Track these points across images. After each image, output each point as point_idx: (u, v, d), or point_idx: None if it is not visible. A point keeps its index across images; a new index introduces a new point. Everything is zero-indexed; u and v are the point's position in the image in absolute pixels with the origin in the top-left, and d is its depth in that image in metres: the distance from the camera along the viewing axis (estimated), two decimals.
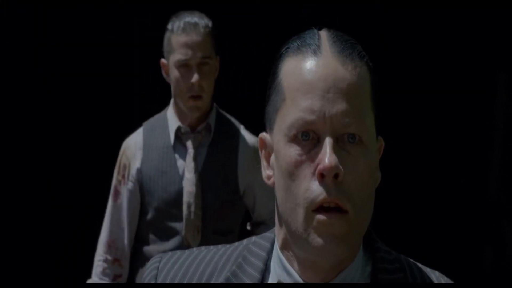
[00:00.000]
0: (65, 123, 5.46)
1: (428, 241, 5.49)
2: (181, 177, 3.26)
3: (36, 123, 5.43)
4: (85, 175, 5.42)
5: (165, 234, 3.30)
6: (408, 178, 5.67)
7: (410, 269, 1.38)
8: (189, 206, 3.24)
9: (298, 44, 1.32)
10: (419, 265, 1.40)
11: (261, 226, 3.41)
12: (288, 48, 1.34)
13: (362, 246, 1.36)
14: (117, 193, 3.34)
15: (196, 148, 3.28)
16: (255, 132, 3.30)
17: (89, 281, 3.37)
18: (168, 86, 3.35)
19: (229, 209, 3.33)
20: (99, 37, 5.43)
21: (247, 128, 3.38)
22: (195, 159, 3.27)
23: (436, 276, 1.39)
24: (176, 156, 3.29)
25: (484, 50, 5.59)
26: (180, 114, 3.30)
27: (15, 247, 5.44)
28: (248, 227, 3.50)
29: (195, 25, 3.20)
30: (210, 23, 3.24)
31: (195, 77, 3.18)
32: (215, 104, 3.36)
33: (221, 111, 3.39)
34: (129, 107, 5.34)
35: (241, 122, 3.41)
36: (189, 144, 3.28)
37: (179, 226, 3.27)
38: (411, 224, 5.61)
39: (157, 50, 3.34)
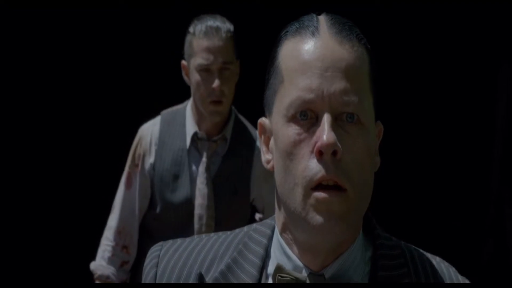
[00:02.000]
0: (65, 120, 5.46)
1: (429, 234, 5.49)
2: (192, 183, 3.26)
3: (37, 119, 5.43)
4: (86, 174, 5.42)
5: (174, 233, 3.25)
6: (409, 170, 5.66)
7: (411, 255, 1.38)
8: (200, 219, 3.23)
9: (296, 27, 1.33)
10: (420, 250, 1.41)
11: None
12: (287, 31, 1.35)
13: (362, 232, 1.36)
14: (130, 181, 3.34)
15: (209, 157, 3.26)
16: None
17: (94, 263, 3.38)
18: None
19: (237, 217, 3.32)
20: (104, 34, 5.43)
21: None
22: (207, 169, 3.25)
23: (436, 262, 1.39)
24: (190, 161, 3.27)
25: (487, 40, 5.57)
26: (198, 117, 3.28)
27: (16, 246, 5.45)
28: (257, 218, 3.50)
29: (217, 29, 3.17)
30: (231, 27, 3.21)
31: (216, 83, 3.16)
32: (234, 110, 3.34)
33: (240, 117, 3.37)
34: (132, 108, 5.35)
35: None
36: (204, 152, 3.26)
37: (188, 229, 3.26)
38: (412, 216, 5.60)
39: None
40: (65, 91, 5.46)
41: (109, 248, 3.36)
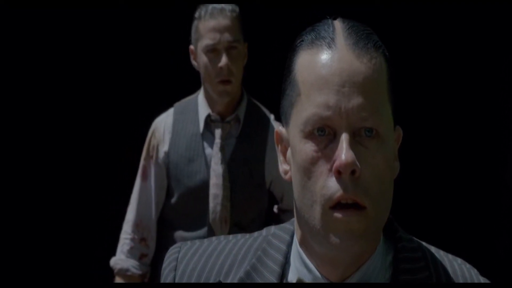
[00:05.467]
0: (80, 117, 5.45)
1: (444, 231, 5.46)
2: (208, 166, 3.25)
3: (43, 116, 5.42)
4: (104, 171, 5.41)
5: (191, 222, 3.30)
6: (424, 166, 5.63)
7: (432, 257, 1.37)
8: (215, 198, 3.23)
9: (312, 37, 1.30)
10: (441, 252, 1.39)
11: (286, 213, 3.43)
12: (302, 41, 1.32)
13: (382, 236, 1.35)
14: (145, 173, 3.35)
15: (223, 138, 3.27)
16: None
17: (114, 258, 3.39)
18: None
19: (253, 202, 3.32)
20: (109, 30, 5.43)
21: (276, 115, 3.36)
22: (222, 150, 3.25)
23: (458, 264, 1.38)
24: (204, 144, 3.28)
25: (495, 37, 5.56)
26: (210, 101, 3.28)
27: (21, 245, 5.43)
28: (275, 210, 3.49)
29: (222, 9, 3.20)
30: (237, 8, 3.24)
31: (223, 61, 3.17)
32: (245, 93, 3.34)
33: (252, 100, 3.37)
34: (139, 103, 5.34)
35: (271, 110, 3.39)
36: (217, 134, 3.26)
37: (205, 216, 3.26)
38: (426, 212, 5.58)
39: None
40: (72, 90, 5.44)
41: (128, 241, 3.37)
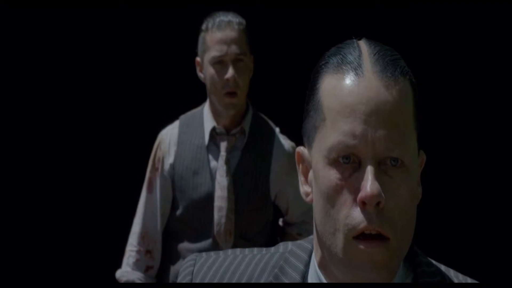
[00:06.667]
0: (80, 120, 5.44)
1: (460, 242, 5.45)
2: (213, 179, 3.28)
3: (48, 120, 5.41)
4: (109, 182, 5.40)
5: (196, 233, 3.33)
6: (437, 179, 5.62)
7: (451, 282, 1.36)
8: (220, 210, 3.25)
9: (338, 61, 1.29)
10: (460, 276, 1.38)
11: (291, 226, 3.46)
12: (327, 63, 1.30)
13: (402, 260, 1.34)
14: (151, 185, 3.37)
15: (229, 151, 3.29)
16: (289, 133, 3.31)
17: (119, 270, 3.41)
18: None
19: (258, 214, 3.34)
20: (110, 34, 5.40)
21: (282, 128, 3.38)
22: (227, 162, 3.27)
23: None
24: (209, 157, 3.30)
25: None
26: (215, 113, 3.30)
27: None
28: (280, 223, 3.51)
29: (229, 22, 3.24)
30: (244, 21, 3.28)
31: (230, 73, 3.20)
32: (251, 105, 3.37)
33: (257, 113, 3.39)
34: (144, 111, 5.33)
35: (275, 121, 3.40)
36: (223, 146, 3.28)
37: (210, 228, 3.28)
38: (440, 225, 5.57)
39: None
40: (75, 98, 5.41)
41: (133, 254, 3.39)
